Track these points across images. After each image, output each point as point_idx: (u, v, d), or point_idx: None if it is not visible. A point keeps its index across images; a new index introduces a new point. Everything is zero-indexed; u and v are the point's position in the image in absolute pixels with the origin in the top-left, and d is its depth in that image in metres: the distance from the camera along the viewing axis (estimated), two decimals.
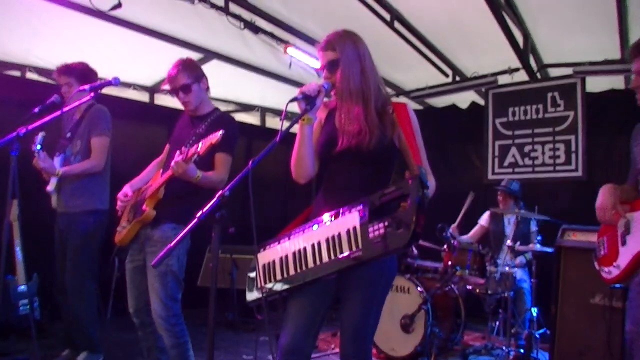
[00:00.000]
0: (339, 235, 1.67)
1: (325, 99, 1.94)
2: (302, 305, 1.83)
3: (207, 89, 2.70)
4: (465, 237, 4.70)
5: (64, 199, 3.25)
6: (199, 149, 2.14)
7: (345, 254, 1.63)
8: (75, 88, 3.17)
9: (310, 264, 1.72)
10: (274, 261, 1.84)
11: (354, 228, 1.63)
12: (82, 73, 3.23)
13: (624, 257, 2.02)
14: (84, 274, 3.17)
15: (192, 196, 2.43)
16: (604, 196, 2.08)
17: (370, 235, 1.59)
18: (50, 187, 3.21)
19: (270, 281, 1.84)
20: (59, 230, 3.34)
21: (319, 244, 1.72)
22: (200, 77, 2.65)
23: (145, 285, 2.52)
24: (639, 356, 1.92)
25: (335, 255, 1.66)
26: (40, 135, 2.97)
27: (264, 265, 1.87)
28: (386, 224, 1.55)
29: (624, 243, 2.05)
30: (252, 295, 1.93)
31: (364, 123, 1.82)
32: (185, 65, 2.61)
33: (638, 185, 2.07)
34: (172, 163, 2.29)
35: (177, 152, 2.32)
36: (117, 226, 2.72)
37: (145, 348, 2.67)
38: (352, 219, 1.66)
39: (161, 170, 2.58)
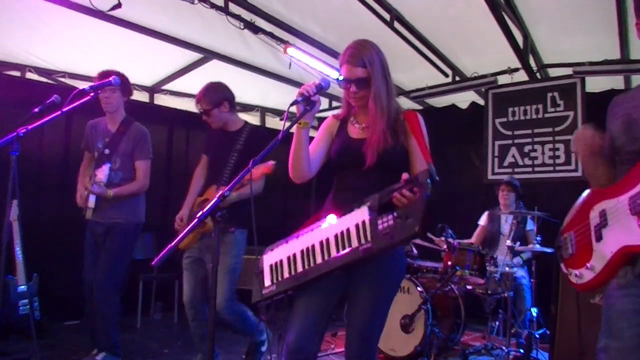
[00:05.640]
0: (348, 230, 1.69)
1: (337, 112, 2.05)
2: (309, 304, 1.84)
3: (231, 109, 3.09)
4: (467, 241, 4.70)
5: (105, 211, 3.30)
6: (252, 177, 2.44)
7: (354, 246, 1.65)
8: (118, 96, 3.36)
9: (319, 259, 1.74)
10: (281, 260, 1.86)
11: (363, 222, 1.66)
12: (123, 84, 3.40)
13: (601, 256, 1.62)
14: (112, 280, 3.26)
15: (246, 203, 2.89)
16: (585, 129, 1.75)
17: (380, 227, 1.61)
18: (92, 204, 3.28)
19: (277, 280, 1.85)
20: (94, 234, 3.37)
21: (327, 240, 1.74)
22: (220, 102, 3.03)
23: (202, 275, 3.00)
24: None
25: (344, 249, 1.68)
26: (107, 167, 3.19)
27: (271, 266, 1.90)
28: (395, 215, 1.58)
29: (599, 238, 1.63)
30: (258, 296, 1.93)
31: (384, 135, 1.87)
32: (207, 92, 3.04)
33: (616, 166, 1.72)
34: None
35: (215, 187, 2.97)
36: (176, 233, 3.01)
37: (197, 336, 3.01)
38: (361, 214, 1.68)
39: (216, 187, 2.99)
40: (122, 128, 3.37)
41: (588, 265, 1.66)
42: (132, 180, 3.35)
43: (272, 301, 1.84)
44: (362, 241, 1.63)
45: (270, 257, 1.92)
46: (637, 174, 1.56)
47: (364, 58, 1.88)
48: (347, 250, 1.67)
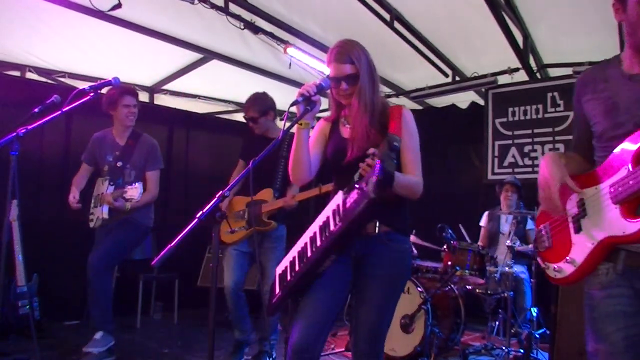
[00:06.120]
0: (328, 218, 1.76)
1: (327, 114, 2.05)
2: (314, 304, 1.84)
3: (275, 117, 3.38)
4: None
5: (120, 215, 3.43)
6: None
7: (332, 229, 1.70)
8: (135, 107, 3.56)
9: (309, 254, 1.79)
10: (286, 267, 1.92)
11: (338, 206, 1.72)
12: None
13: (581, 249, 1.52)
14: (108, 262, 3.41)
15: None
16: (549, 168, 1.57)
17: (348, 204, 1.66)
18: (105, 215, 3.40)
19: (283, 285, 1.89)
20: (106, 229, 3.48)
21: (314, 234, 1.81)
22: (267, 111, 3.31)
23: (246, 266, 3.32)
24: None
25: (326, 237, 1.73)
26: (140, 186, 3.22)
27: (279, 275, 1.95)
28: (357, 187, 1.62)
29: (578, 229, 1.54)
30: (271, 306, 1.97)
31: (370, 132, 1.87)
32: (256, 101, 3.31)
33: (594, 151, 1.61)
34: None
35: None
36: (224, 229, 3.23)
37: (235, 319, 3.29)
38: (336, 199, 1.76)
39: (272, 192, 3.28)
40: (131, 141, 3.50)
41: (567, 258, 1.56)
42: (145, 190, 3.45)
43: (284, 307, 1.91)
44: (337, 222, 1.68)
45: (279, 268, 1.98)
46: (617, 160, 1.44)
47: (350, 55, 1.90)
48: (327, 235, 1.71)
